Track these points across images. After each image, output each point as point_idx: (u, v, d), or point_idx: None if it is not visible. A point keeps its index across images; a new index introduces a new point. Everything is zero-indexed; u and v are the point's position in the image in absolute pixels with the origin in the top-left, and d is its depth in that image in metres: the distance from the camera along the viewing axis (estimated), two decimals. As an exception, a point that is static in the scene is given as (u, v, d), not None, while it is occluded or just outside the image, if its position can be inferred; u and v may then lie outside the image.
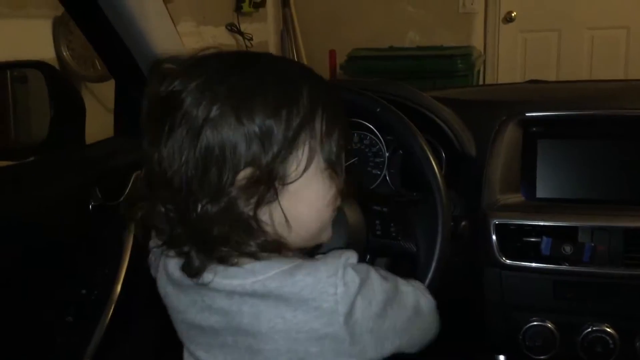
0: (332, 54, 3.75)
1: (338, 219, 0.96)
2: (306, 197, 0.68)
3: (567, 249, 1.02)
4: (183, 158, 0.63)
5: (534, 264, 1.06)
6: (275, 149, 0.63)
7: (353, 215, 0.96)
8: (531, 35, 3.85)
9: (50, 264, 1.10)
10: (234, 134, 0.62)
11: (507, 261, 1.07)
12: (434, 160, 0.93)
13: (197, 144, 0.62)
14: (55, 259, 1.11)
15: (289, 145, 0.64)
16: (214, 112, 0.62)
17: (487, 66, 3.92)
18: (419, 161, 0.94)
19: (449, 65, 3.28)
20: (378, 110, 0.99)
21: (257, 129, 0.62)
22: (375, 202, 0.99)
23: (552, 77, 3.75)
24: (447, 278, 0.94)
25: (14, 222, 1.05)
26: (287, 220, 0.66)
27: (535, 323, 1.09)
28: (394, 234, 0.96)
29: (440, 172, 0.93)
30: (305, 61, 3.99)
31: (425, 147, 0.94)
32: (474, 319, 1.16)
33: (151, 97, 0.69)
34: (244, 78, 0.65)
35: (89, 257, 1.18)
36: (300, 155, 0.65)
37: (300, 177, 0.66)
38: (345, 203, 0.97)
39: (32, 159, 1.24)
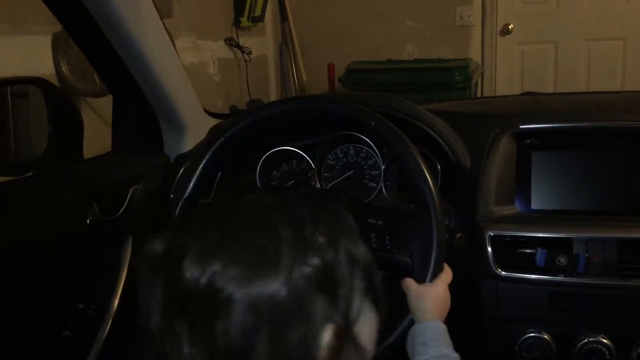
0: (331, 67, 3.77)
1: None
2: (364, 336, 0.63)
3: (562, 260, 1.03)
4: None
5: (529, 276, 1.06)
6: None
7: (348, 228, 0.97)
8: (528, 47, 3.88)
9: (48, 278, 1.10)
10: None
11: (503, 273, 1.08)
12: (428, 173, 0.94)
13: None
14: (53, 274, 1.11)
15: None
16: None
17: (484, 78, 3.93)
18: (413, 174, 0.95)
19: (446, 78, 3.29)
20: (373, 123, 1.00)
21: None
22: (370, 214, 0.99)
23: (549, 89, 3.77)
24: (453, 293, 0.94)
25: (11, 237, 1.06)
26: None
27: (531, 334, 1.09)
28: (389, 247, 0.96)
29: (434, 185, 0.94)
30: (304, 74, 4.01)
31: (419, 160, 0.95)
32: (471, 331, 1.16)
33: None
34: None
35: (87, 272, 1.18)
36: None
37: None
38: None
39: (30, 174, 1.25)
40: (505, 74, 3.94)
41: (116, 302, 1.19)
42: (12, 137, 1.37)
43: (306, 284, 0.55)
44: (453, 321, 1.15)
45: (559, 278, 1.04)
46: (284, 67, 3.99)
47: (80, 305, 1.17)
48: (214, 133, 1.07)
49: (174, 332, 0.56)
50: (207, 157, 1.05)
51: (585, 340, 1.06)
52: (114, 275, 1.21)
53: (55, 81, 2.23)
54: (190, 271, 0.55)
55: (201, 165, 1.05)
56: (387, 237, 0.96)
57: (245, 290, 0.54)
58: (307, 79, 4.02)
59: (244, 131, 1.06)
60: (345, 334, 0.58)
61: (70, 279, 1.16)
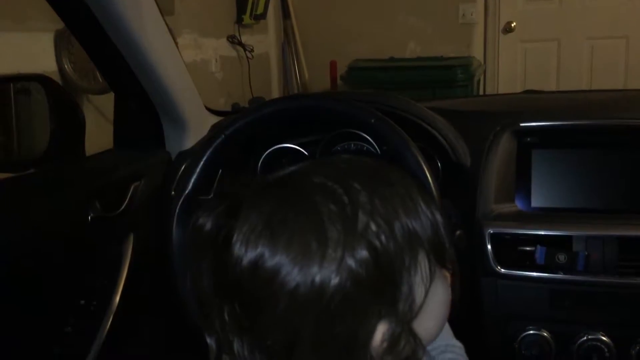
0: (333, 65, 3.77)
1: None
2: (432, 311, 0.61)
3: (562, 257, 1.03)
4: None
5: (529, 273, 1.07)
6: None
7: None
8: (531, 45, 3.87)
9: (49, 274, 1.11)
10: None
11: (503, 270, 1.08)
12: (428, 171, 0.94)
13: None
14: (54, 270, 1.12)
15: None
16: None
17: (487, 76, 3.93)
18: (413, 171, 0.95)
19: (449, 76, 3.29)
20: (373, 121, 1.00)
21: None
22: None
23: (552, 87, 3.76)
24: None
25: (13, 233, 1.06)
26: None
27: (531, 332, 1.09)
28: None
29: (434, 183, 0.94)
30: (306, 72, 4.01)
31: (419, 158, 0.95)
32: (470, 328, 1.16)
33: None
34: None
35: (88, 268, 1.19)
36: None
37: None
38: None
39: (32, 170, 1.26)
40: (508, 72, 3.94)
41: (117, 299, 1.19)
42: (15, 134, 1.38)
43: (353, 280, 0.52)
44: (452, 319, 1.16)
45: (559, 276, 1.05)
46: (286, 65, 3.99)
47: (82, 302, 1.17)
48: (214, 130, 1.07)
49: (222, 316, 0.56)
50: (207, 154, 1.05)
51: (585, 338, 1.06)
52: (115, 272, 1.22)
53: (57, 79, 2.24)
54: (238, 253, 0.53)
55: (202, 162, 1.05)
56: (387, 235, 0.97)
57: (290, 280, 0.52)
58: (309, 77, 4.03)
59: (245, 128, 1.06)
60: (401, 331, 0.56)
61: (71, 275, 1.17)
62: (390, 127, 0.99)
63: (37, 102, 1.30)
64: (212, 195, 1.23)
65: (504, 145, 1.17)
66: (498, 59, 3.96)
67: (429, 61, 3.52)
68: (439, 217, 0.60)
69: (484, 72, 3.87)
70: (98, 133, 1.54)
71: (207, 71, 3.32)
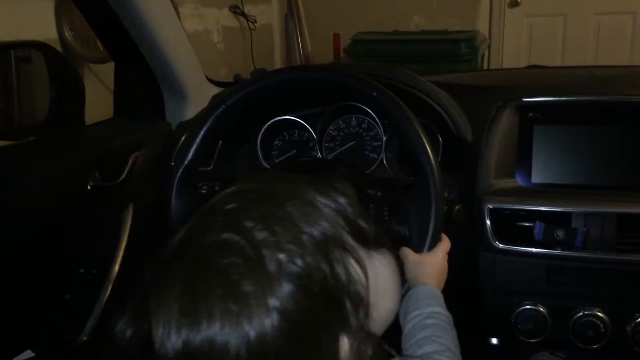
0: (336, 37, 3.74)
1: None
2: (383, 291, 0.62)
3: (560, 233, 1.03)
4: None
5: (527, 249, 1.07)
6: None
7: (347, 198, 0.97)
8: (537, 19, 3.83)
9: (49, 242, 1.11)
10: None
11: (501, 246, 1.08)
12: (429, 145, 0.94)
13: None
14: (54, 238, 1.12)
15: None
16: None
17: (492, 51, 3.89)
18: (414, 145, 0.94)
19: (452, 50, 3.26)
20: (374, 94, 0.99)
21: None
22: (369, 185, 0.99)
23: (557, 62, 3.73)
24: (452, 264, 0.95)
25: (13, 201, 1.06)
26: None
27: (527, 307, 1.10)
28: (387, 218, 0.96)
29: (434, 156, 0.93)
30: (309, 44, 3.98)
31: (420, 131, 0.94)
32: (467, 302, 1.17)
33: None
34: None
35: (88, 237, 1.19)
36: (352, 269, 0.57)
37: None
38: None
39: (31, 139, 1.25)
40: (513, 47, 3.90)
41: (117, 268, 1.20)
42: (14, 101, 1.37)
43: (289, 318, 0.50)
44: (450, 293, 1.17)
45: (557, 252, 1.05)
46: (289, 36, 3.96)
47: (81, 270, 1.18)
48: (215, 101, 1.06)
49: None
50: (207, 124, 1.04)
51: (581, 314, 1.07)
52: (114, 241, 1.22)
53: (58, 47, 2.22)
54: (164, 350, 0.51)
55: (201, 133, 1.04)
56: (385, 208, 0.97)
57: (228, 348, 0.50)
58: (312, 49, 3.99)
59: (246, 99, 1.05)
60: (363, 336, 0.56)
61: (71, 244, 1.17)
62: (392, 100, 0.98)
63: (37, 69, 1.29)
64: (212, 167, 1.24)
65: (506, 121, 1.17)
66: (503, 34, 3.92)
67: (433, 35, 3.48)
68: (342, 199, 0.59)
69: (489, 46, 3.83)
70: (99, 103, 1.53)
71: (209, 41, 3.29)
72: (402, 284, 0.91)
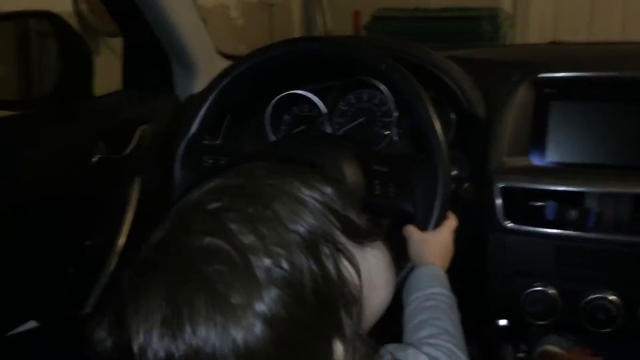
0: (357, 14, 3.69)
1: (336, 178, 0.95)
2: (376, 283, 0.59)
3: (573, 214, 1.00)
4: None
5: (538, 229, 1.04)
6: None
7: (351, 174, 0.95)
8: (563, -4, 3.73)
9: (53, 214, 1.11)
10: None
11: (511, 225, 1.05)
12: (437, 120, 0.91)
13: None
14: (59, 210, 1.12)
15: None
16: None
17: (516, 29, 3.81)
18: (421, 120, 0.92)
19: (474, 27, 3.21)
20: (383, 67, 0.96)
21: None
22: (376, 161, 0.97)
23: (583, 40, 3.63)
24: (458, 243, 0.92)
25: (17, 173, 1.06)
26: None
27: (537, 289, 1.07)
28: (392, 195, 0.94)
29: (442, 132, 0.91)
30: (329, 21, 3.93)
31: (428, 106, 0.91)
32: (476, 283, 1.14)
33: None
34: None
35: (93, 210, 1.19)
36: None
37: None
38: (345, 161, 0.96)
39: (39, 109, 1.25)
40: (538, 25, 3.81)
41: (122, 240, 1.19)
42: (24, 72, 1.37)
43: (280, 326, 0.47)
44: (457, 273, 1.15)
45: (569, 232, 1.01)
46: (308, 12, 3.91)
47: (87, 242, 1.18)
48: (220, 73, 1.04)
49: None
50: (212, 96, 1.03)
51: (592, 297, 1.04)
52: (120, 214, 1.22)
53: (73, 19, 2.21)
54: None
55: (206, 105, 1.03)
56: (390, 185, 0.94)
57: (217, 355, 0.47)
58: (332, 25, 3.94)
59: (251, 71, 1.03)
60: (357, 339, 0.53)
61: (76, 216, 1.17)
62: (401, 74, 0.95)
63: (46, 40, 1.28)
64: (219, 140, 1.22)
65: (521, 97, 1.13)
66: (528, 11, 3.83)
67: (454, 12, 3.41)
68: (328, 189, 0.56)
69: (513, 24, 3.75)
70: (114, 75, 1.52)
71: (227, 17, 3.27)
72: (405, 264, 0.89)
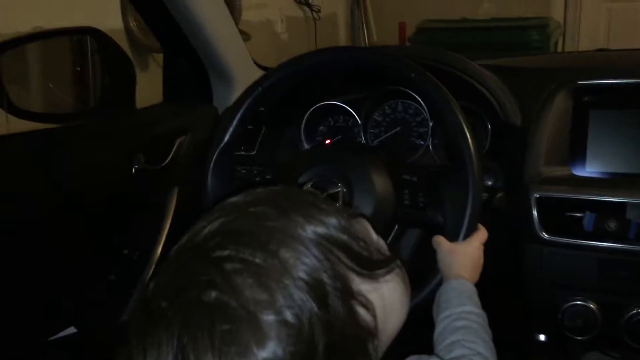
0: (402, 26, 3.67)
1: (365, 187, 0.94)
2: (391, 312, 0.58)
3: (612, 225, 0.96)
4: None
5: (576, 241, 1.00)
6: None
7: (381, 183, 0.94)
8: (616, 5, 3.63)
9: (94, 223, 1.15)
10: None
11: (548, 237, 1.02)
12: (467, 128, 0.90)
13: None
14: (99, 219, 1.15)
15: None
16: None
17: (566, 39, 3.72)
18: (452, 129, 0.91)
19: (523, 37, 3.14)
20: (413, 75, 0.95)
21: None
22: (406, 171, 0.96)
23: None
24: (485, 253, 0.90)
25: (61, 182, 1.10)
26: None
27: (576, 302, 1.03)
28: (422, 204, 0.93)
29: (473, 140, 0.89)
30: (374, 34, 3.93)
31: (459, 114, 0.90)
32: (513, 296, 1.12)
33: None
34: None
35: (132, 219, 1.22)
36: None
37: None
38: (374, 170, 0.95)
39: (84, 122, 1.29)
40: (590, 35, 3.71)
41: (159, 249, 1.22)
42: (69, 85, 1.42)
43: None
44: (494, 285, 1.12)
45: (608, 244, 0.98)
46: (354, 26, 3.92)
47: (125, 251, 1.21)
48: (251, 83, 1.05)
49: None
50: (244, 106, 1.04)
51: (635, 311, 1.00)
52: (158, 224, 1.24)
53: (123, 37, 2.29)
54: None
55: (238, 115, 1.04)
56: (420, 194, 0.93)
57: None
58: (377, 38, 3.94)
59: (282, 82, 1.05)
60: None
61: (116, 225, 1.20)
62: (431, 82, 0.94)
63: (89, 55, 1.33)
64: (255, 151, 1.24)
65: (559, 105, 1.10)
66: (580, 21, 3.74)
67: (502, 22, 3.36)
68: (332, 221, 0.54)
69: (564, 34, 3.67)
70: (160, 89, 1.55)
71: (272, 31, 3.31)
72: (434, 275, 0.88)
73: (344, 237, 0.54)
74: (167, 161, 1.26)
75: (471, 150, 0.89)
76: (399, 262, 0.61)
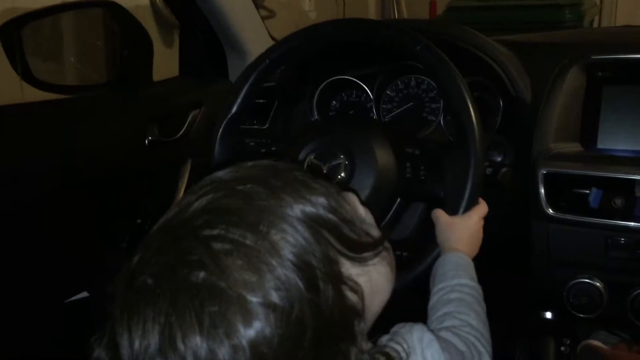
0: (433, 5, 3.63)
1: (367, 160, 0.94)
2: (377, 291, 0.59)
3: (618, 202, 0.95)
4: None
5: (582, 218, 0.99)
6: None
7: (383, 156, 0.94)
8: (656, -17, 3.51)
9: (107, 192, 1.18)
10: None
11: (555, 214, 1.01)
12: (470, 101, 0.89)
13: None
14: (112, 189, 1.18)
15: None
16: None
17: (603, 18, 3.62)
18: (455, 102, 0.90)
19: (556, 16, 3.06)
20: (418, 48, 0.95)
21: None
22: (407, 144, 0.96)
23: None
24: (491, 229, 0.90)
25: (74, 152, 1.13)
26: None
27: (582, 280, 1.02)
28: (422, 177, 0.93)
29: (476, 113, 0.88)
30: (405, 12, 3.89)
31: (462, 87, 0.89)
32: (520, 272, 1.11)
33: None
34: None
35: (145, 189, 1.24)
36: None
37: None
38: (376, 143, 0.95)
39: (101, 93, 1.32)
40: (627, 14, 3.59)
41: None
42: (86, 57, 1.45)
43: None
44: (501, 261, 1.11)
45: (615, 222, 0.96)
46: (384, 4, 3.88)
47: (138, 220, 1.24)
48: (258, 56, 1.06)
49: None
50: (251, 79, 1.05)
51: (640, 290, 0.98)
52: (171, 195, 1.27)
53: (149, 12, 2.31)
54: None
55: (245, 87, 1.05)
56: (422, 167, 0.93)
57: None
58: (408, 17, 3.89)
59: (289, 54, 1.05)
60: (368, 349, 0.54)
61: (130, 195, 1.23)
62: (436, 55, 0.93)
63: (106, 27, 1.35)
64: (268, 125, 1.25)
65: (572, 80, 1.08)
66: (617, 0, 3.62)
67: (534, 0, 3.28)
68: (321, 200, 0.53)
69: (600, 13, 3.56)
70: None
71: (299, 10, 3.30)
72: (433, 248, 0.88)
73: (334, 218, 0.54)
74: (180, 133, 1.28)
75: (474, 123, 0.88)
76: (386, 243, 0.61)
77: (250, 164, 0.57)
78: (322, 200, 0.54)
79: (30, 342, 1.14)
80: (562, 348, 1.14)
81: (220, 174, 0.56)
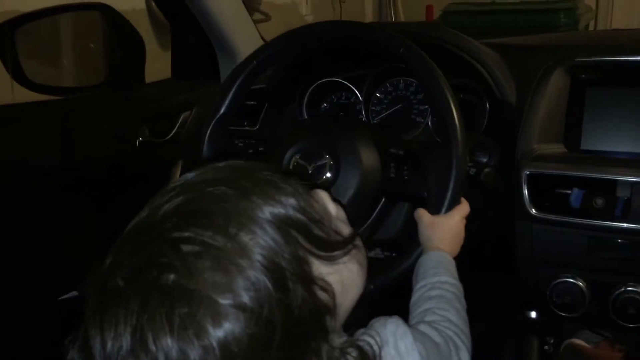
0: (429, 9, 3.64)
1: (352, 160, 0.96)
2: (349, 288, 0.59)
3: (600, 202, 0.96)
4: None
5: (564, 218, 1.00)
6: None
7: (368, 156, 0.96)
8: (650, -12, 3.53)
9: (97, 192, 1.19)
10: None
11: (537, 214, 1.02)
12: (453, 102, 0.90)
13: None
14: (102, 188, 1.19)
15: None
16: None
17: (598, 23, 3.63)
18: (438, 104, 0.91)
19: (551, 20, 3.08)
20: (401, 50, 0.96)
21: None
22: (391, 144, 0.97)
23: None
24: (474, 229, 0.91)
25: (66, 151, 1.15)
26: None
27: (564, 279, 1.03)
28: (406, 178, 0.94)
29: (458, 114, 0.90)
30: (402, 16, 3.91)
31: (445, 88, 0.91)
32: (504, 272, 1.12)
33: None
34: None
35: (135, 189, 1.26)
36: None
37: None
38: (361, 143, 0.97)
39: (93, 94, 1.33)
40: (623, 19, 3.61)
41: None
42: (79, 59, 1.46)
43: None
44: (486, 261, 1.13)
45: (597, 222, 0.97)
46: (381, 8, 3.90)
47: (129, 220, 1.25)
48: (246, 57, 1.08)
49: None
50: (239, 80, 1.06)
51: (623, 289, 0.99)
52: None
53: (145, 16, 2.33)
54: None
55: (233, 88, 1.06)
56: (405, 168, 0.94)
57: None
58: (404, 21, 3.91)
59: (277, 56, 1.06)
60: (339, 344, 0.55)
61: (120, 195, 1.24)
62: (419, 57, 0.94)
63: (99, 29, 1.37)
64: (258, 126, 1.26)
65: (555, 82, 1.09)
66: (612, 5, 3.64)
67: (530, 4, 3.30)
68: (290, 201, 0.54)
69: (595, 18, 3.58)
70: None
71: (297, 14, 3.32)
72: (415, 248, 0.89)
73: (303, 218, 0.54)
74: (171, 135, 1.29)
75: (456, 123, 0.89)
76: (357, 241, 0.62)
77: (220, 164, 0.57)
78: (291, 200, 0.55)
79: (24, 340, 1.15)
80: (546, 347, 1.15)
81: (190, 175, 0.56)
